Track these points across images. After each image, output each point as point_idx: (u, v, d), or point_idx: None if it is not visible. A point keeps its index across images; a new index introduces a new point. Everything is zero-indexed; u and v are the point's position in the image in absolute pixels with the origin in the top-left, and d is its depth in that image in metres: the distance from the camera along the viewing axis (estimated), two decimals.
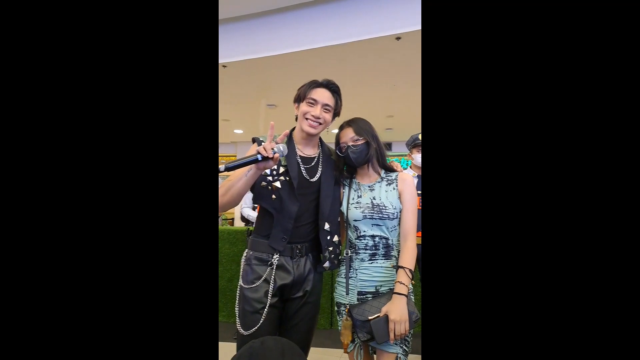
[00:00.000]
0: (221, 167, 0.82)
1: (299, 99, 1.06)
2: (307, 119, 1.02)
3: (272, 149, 0.87)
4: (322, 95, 1.03)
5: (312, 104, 1.02)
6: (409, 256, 0.98)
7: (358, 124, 1.06)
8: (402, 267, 0.97)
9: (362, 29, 2.71)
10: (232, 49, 3.00)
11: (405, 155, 2.34)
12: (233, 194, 0.94)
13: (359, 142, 1.03)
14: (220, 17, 2.96)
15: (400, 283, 0.95)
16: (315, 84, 1.05)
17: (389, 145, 6.54)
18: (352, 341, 0.99)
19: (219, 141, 6.92)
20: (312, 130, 1.01)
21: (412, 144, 2.07)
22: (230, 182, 0.95)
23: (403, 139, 2.36)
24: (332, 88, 1.06)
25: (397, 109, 4.52)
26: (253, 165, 0.87)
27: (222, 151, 7.20)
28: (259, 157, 0.85)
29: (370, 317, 0.93)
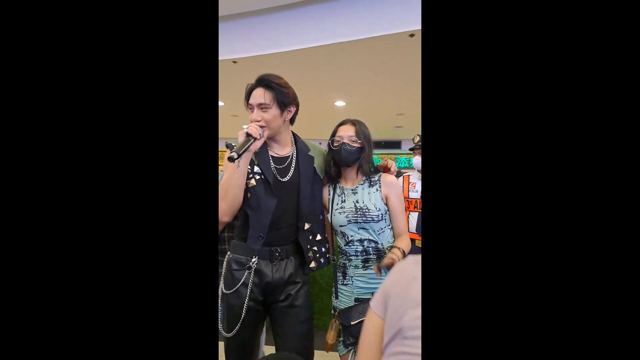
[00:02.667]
0: (233, 154, 0.84)
1: (246, 107, 1.03)
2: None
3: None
4: (255, 97, 0.98)
5: (251, 109, 0.99)
6: (404, 242, 1.01)
7: (361, 127, 1.05)
8: (396, 247, 0.98)
9: (374, 25, 2.67)
10: (242, 44, 2.99)
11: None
12: (234, 190, 0.92)
13: (355, 144, 1.03)
14: (231, 12, 2.95)
15: (393, 252, 0.96)
16: (248, 89, 1.01)
17: (398, 144, 6.49)
18: (344, 344, 1.00)
19: (228, 137, 6.95)
20: (254, 134, 0.93)
21: (413, 146, 2.05)
22: (224, 183, 0.93)
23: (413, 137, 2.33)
24: (264, 83, 0.99)
25: (408, 106, 4.47)
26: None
27: None
28: (252, 139, 0.90)
29: (352, 322, 0.94)
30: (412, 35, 2.65)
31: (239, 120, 5.70)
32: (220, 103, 4.73)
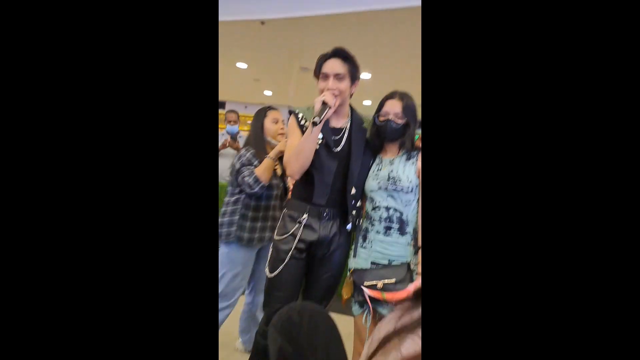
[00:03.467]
0: (316, 119, 0.95)
1: (316, 74, 1.10)
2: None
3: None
4: (332, 66, 1.05)
5: (324, 78, 1.06)
6: None
7: (408, 103, 1.05)
8: None
9: None
10: (273, 4, 2.87)
11: None
12: (306, 153, 1.03)
13: (400, 122, 1.04)
14: None
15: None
16: (323, 58, 1.07)
17: None
18: (355, 301, 1.07)
19: (249, 102, 6.90)
20: (330, 103, 1.03)
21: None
22: (297, 148, 1.04)
23: None
24: (342, 55, 1.06)
25: None
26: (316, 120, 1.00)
27: (249, 111, 7.17)
28: (328, 107, 0.99)
29: (366, 283, 1.00)
30: None
31: (259, 85, 5.62)
32: (244, 65, 4.65)
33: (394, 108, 1.04)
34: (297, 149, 1.04)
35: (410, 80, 4.28)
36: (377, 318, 1.09)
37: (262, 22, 3.01)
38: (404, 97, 1.06)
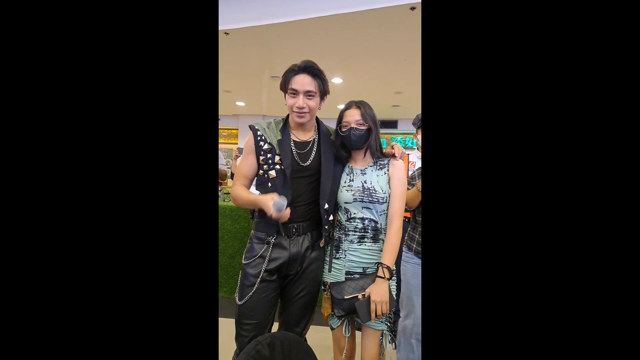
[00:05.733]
0: (271, 215, 0.93)
1: (284, 88, 1.05)
2: (293, 111, 1.03)
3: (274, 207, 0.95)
4: (302, 83, 1.01)
5: (294, 94, 1.02)
6: (393, 241, 1.01)
7: (365, 109, 1.07)
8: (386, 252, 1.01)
9: None
10: (235, 14, 2.83)
11: (411, 134, 2.28)
12: (243, 202, 1.06)
13: (363, 127, 1.06)
14: None
15: (383, 266, 0.99)
16: (293, 72, 1.03)
17: (394, 123, 6.41)
18: (336, 316, 1.06)
19: (220, 113, 6.79)
20: (300, 121, 1.02)
21: (418, 124, 1.98)
22: (235, 193, 1.07)
23: (410, 116, 2.28)
24: (312, 71, 1.03)
25: (406, 84, 4.36)
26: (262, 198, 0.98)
27: (223, 124, 7.07)
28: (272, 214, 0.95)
29: (346, 297, 1.00)
30: (413, 9, 2.53)
31: (232, 96, 5.54)
32: None
33: (353, 117, 1.05)
34: (234, 195, 1.06)
35: (380, 83, 4.34)
36: (356, 328, 1.09)
37: (226, 33, 2.97)
38: (360, 105, 1.07)
